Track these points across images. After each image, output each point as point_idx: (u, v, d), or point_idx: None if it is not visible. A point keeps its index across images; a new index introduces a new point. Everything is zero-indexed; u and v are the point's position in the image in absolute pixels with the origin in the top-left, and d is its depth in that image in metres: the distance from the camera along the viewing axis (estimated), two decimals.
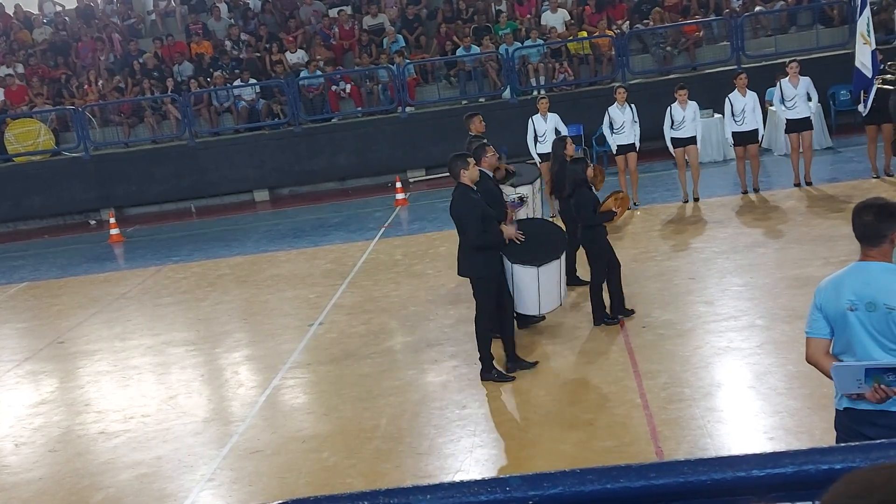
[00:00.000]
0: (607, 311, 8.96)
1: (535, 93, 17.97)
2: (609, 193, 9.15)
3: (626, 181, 13.61)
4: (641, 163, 14.15)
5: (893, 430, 4.11)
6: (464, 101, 19.21)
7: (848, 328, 4.20)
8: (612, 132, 13.55)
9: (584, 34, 19.30)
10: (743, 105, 13.43)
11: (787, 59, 14.45)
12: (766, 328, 8.39)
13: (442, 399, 7.75)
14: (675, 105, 13.40)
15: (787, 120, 13.76)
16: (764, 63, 17.38)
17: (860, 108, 13.43)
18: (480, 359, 8.02)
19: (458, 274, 8.33)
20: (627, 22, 19.39)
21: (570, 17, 19.94)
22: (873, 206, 4.19)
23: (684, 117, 13.27)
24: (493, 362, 8.02)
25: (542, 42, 19.15)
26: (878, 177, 13.40)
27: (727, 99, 13.61)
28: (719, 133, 15.82)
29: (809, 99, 13.74)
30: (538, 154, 13.58)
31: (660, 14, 19.07)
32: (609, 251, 8.89)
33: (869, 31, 13.10)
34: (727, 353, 7.95)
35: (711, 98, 15.75)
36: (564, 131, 13.71)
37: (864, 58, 13.08)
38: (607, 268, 8.85)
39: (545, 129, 13.60)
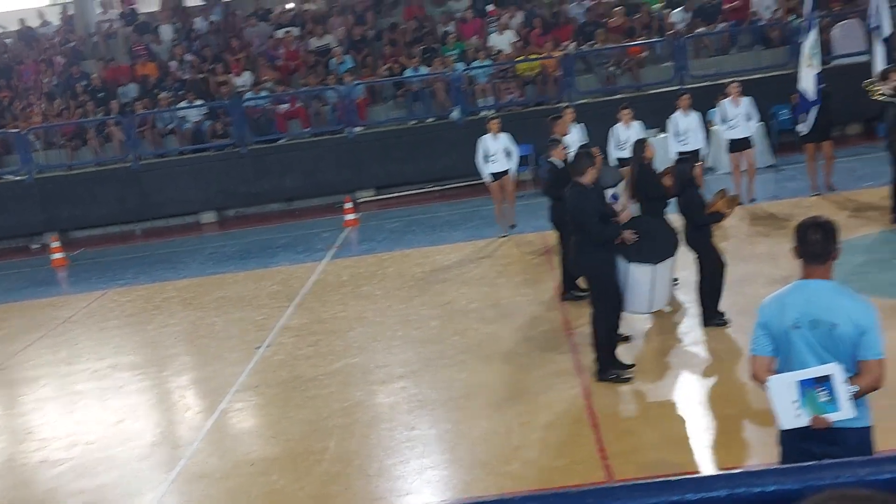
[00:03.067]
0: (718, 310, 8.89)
1: (484, 113, 18.06)
2: (717, 193, 9.00)
3: None
4: None
5: (839, 445, 4.14)
6: (412, 122, 19.25)
7: (791, 346, 4.24)
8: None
9: (535, 55, 19.48)
10: (686, 125, 13.64)
11: (729, 80, 14.70)
12: (711, 343, 8.50)
13: (391, 420, 7.72)
14: (619, 125, 13.56)
15: (729, 139, 13.99)
16: (707, 83, 17.67)
17: (800, 127, 13.70)
18: (597, 359, 7.96)
19: (578, 275, 8.54)
20: (574, 43, 19.60)
21: (516, 39, 20.11)
22: (821, 226, 4.24)
23: (629, 137, 13.42)
24: (611, 363, 7.95)
25: (490, 62, 19.29)
26: (818, 194, 13.66)
27: (671, 119, 13.81)
28: (663, 153, 15.99)
29: (750, 118, 13.99)
30: (491, 173, 13.66)
31: (604, 35, 19.31)
32: (716, 251, 8.91)
33: (814, 54, 13.38)
34: (650, 372, 8.05)
35: (656, 118, 15.95)
36: (515, 151, 13.81)
37: (807, 81, 13.35)
38: (714, 267, 8.83)
39: (496, 148, 13.67)
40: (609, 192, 9.51)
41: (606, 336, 7.95)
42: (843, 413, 4.12)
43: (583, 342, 8.59)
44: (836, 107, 14.20)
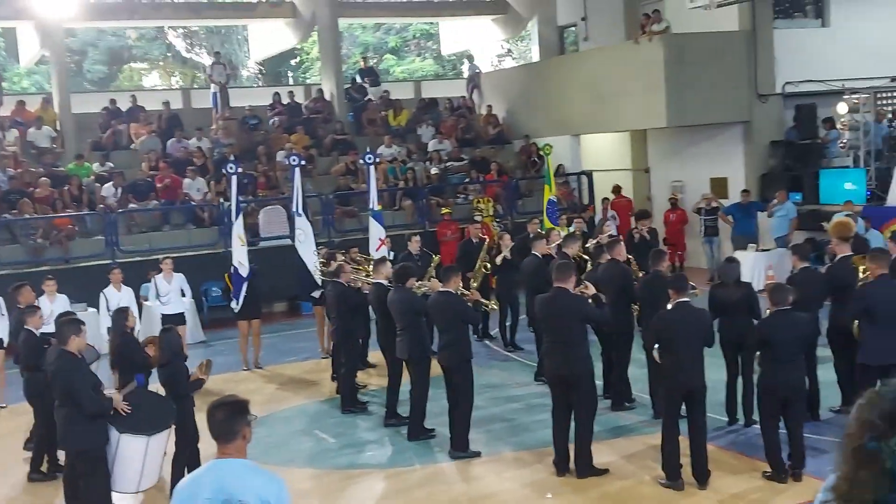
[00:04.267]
0: None
1: None
2: (201, 363, 8.87)
3: None
4: None
5: None
6: None
7: None
8: None
9: None
10: (118, 300, 13.39)
11: (162, 256, 14.84)
12: None
13: None
14: (43, 297, 12.89)
15: (161, 315, 13.99)
16: (139, 259, 17.62)
17: (233, 304, 14.23)
18: None
19: (65, 449, 7.77)
20: None
21: None
22: (225, 405, 4.34)
23: (52, 311, 12.78)
24: None
25: None
26: (248, 369, 14.13)
27: (102, 294, 13.49)
28: (95, 327, 15.47)
29: (183, 295, 14.19)
30: None
31: (30, 205, 18.45)
32: (195, 423, 8.39)
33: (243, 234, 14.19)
34: None
35: (87, 292, 15.41)
36: None
37: (241, 257, 14.01)
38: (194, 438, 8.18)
39: None
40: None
41: None
42: None
43: None
44: (263, 285, 15.03)
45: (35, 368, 9.16)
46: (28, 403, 9.85)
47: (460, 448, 9.53)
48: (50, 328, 12.10)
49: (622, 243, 11.23)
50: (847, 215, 14.19)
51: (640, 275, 11.04)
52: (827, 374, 10.06)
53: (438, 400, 10.09)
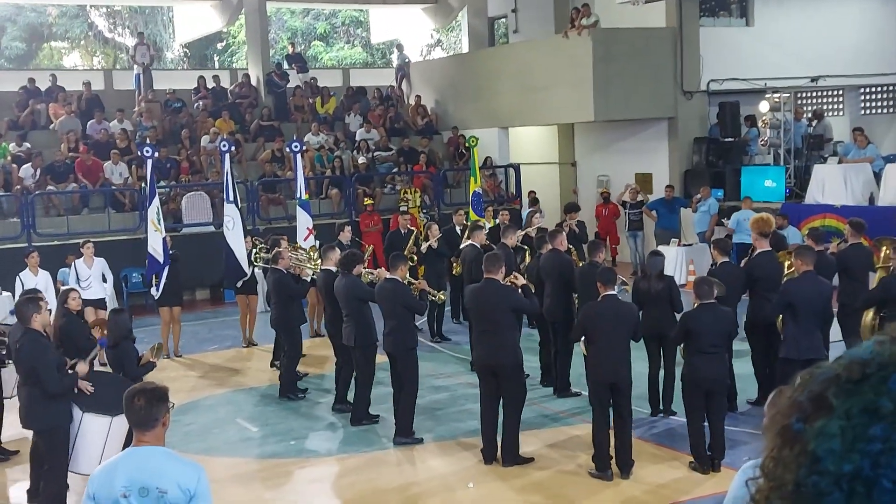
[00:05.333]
0: None
1: None
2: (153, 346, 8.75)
3: None
4: None
5: None
6: None
7: None
8: None
9: None
10: (35, 284, 12.98)
11: (82, 240, 14.46)
12: None
13: None
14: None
15: (82, 300, 13.62)
16: (57, 242, 17.15)
17: (153, 290, 13.93)
18: None
19: (32, 428, 7.56)
20: None
21: None
22: (144, 392, 4.27)
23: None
24: None
25: None
26: (168, 356, 13.87)
27: (18, 277, 13.13)
28: (4, 313, 15.05)
29: (105, 280, 13.86)
30: None
31: None
32: None
33: (159, 219, 13.80)
34: None
35: (2, 275, 14.97)
36: None
37: (156, 244, 13.67)
38: None
39: None
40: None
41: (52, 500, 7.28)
42: None
43: None
44: (185, 272, 14.76)
45: None
46: None
47: (404, 434, 9.57)
48: None
49: (563, 233, 11.42)
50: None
51: (579, 265, 11.20)
52: (743, 367, 10.27)
53: (386, 385, 10.12)
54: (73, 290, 9.94)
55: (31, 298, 7.79)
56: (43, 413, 7.43)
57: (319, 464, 9.33)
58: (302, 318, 12.49)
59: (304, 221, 14.74)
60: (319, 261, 11.96)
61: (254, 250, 13.71)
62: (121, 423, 7.72)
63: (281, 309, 11.71)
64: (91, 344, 9.00)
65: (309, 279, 12.34)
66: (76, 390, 7.50)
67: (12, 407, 9.14)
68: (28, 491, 8.16)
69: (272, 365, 12.79)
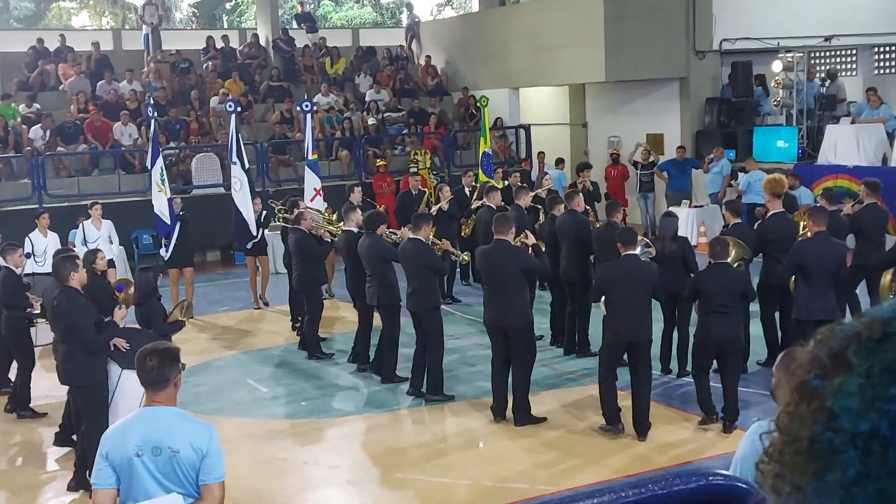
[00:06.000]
0: None
1: None
2: (178, 303, 8.98)
3: None
4: None
5: None
6: None
7: (134, 474, 4.13)
8: None
9: None
10: (45, 245, 13.03)
11: (90, 202, 14.46)
12: None
13: None
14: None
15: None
16: (66, 204, 17.16)
17: (162, 251, 13.93)
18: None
19: (70, 384, 7.61)
20: None
21: None
22: (157, 352, 4.27)
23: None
24: None
25: None
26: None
27: (28, 238, 13.12)
28: None
29: (112, 241, 13.87)
30: None
31: None
32: None
33: (163, 180, 13.75)
34: None
35: (12, 236, 14.99)
36: None
37: (161, 205, 13.65)
38: None
39: None
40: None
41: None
42: None
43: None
44: (196, 234, 14.75)
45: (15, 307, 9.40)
46: None
47: (435, 392, 9.64)
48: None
49: (580, 194, 11.40)
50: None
51: (596, 225, 11.17)
52: (753, 329, 10.25)
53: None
54: (99, 251, 9.97)
55: (68, 257, 7.85)
56: (82, 369, 7.47)
57: (330, 424, 9.37)
58: (324, 279, 12.54)
59: (311, 182, 14.67)
60: (339, 222, 11.94)
61: (273, 212, 13.71)
62: None
63: (303, 269, 11.65)
64: (114, 304, 9.04)
65: (330, 241, 12.27)
66: (112, 347, 7.54)
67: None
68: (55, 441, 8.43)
69: (293, 328, 12.78)
